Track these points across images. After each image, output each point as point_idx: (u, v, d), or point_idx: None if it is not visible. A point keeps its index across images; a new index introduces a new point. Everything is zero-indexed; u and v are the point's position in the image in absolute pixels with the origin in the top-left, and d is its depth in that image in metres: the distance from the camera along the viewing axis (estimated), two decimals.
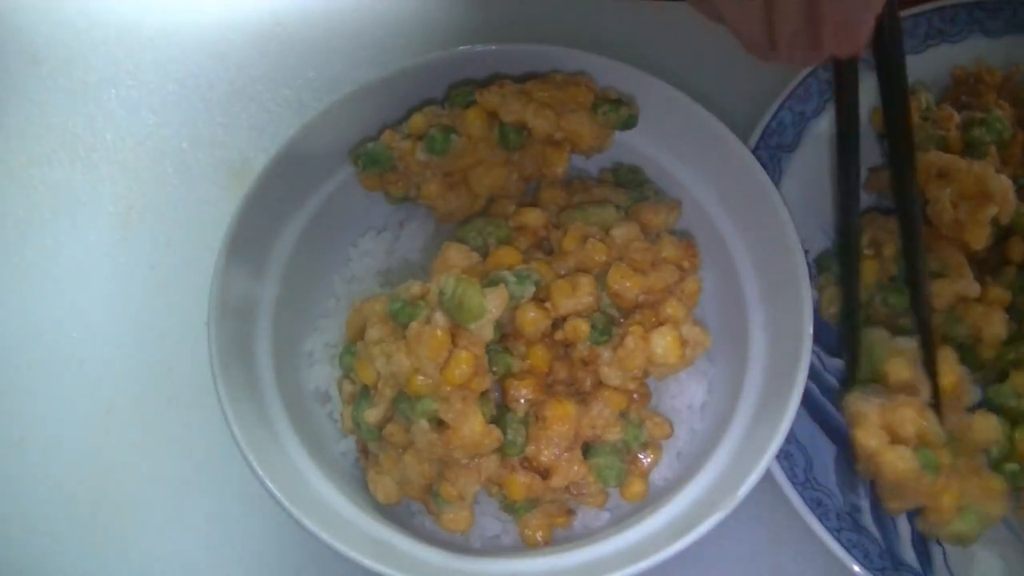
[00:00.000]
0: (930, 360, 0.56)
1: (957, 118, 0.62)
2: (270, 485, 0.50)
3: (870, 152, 0.66)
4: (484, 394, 0.50)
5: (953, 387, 0.56)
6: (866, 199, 0.64)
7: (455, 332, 0.48)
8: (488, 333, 0.49)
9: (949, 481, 0.54)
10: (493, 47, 0.59)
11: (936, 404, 0.56)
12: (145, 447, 0.62)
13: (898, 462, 0.53)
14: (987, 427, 0.56)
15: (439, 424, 0.49)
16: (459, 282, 0.48)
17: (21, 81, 0.73)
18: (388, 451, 0.52)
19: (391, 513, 0.54)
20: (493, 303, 0.48)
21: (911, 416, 0.54)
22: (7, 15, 0.76)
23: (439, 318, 0.48)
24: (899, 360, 0.56)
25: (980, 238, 0.58)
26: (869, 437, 0.54)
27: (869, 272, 0.60)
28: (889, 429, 0.54)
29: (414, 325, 0.49)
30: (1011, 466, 0.56)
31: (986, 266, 0.60)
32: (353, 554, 0.48)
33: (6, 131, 0.72)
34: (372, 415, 0.51)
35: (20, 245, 0.68)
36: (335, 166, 0.59)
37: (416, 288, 0.50)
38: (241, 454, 0.51)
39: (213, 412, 0.52)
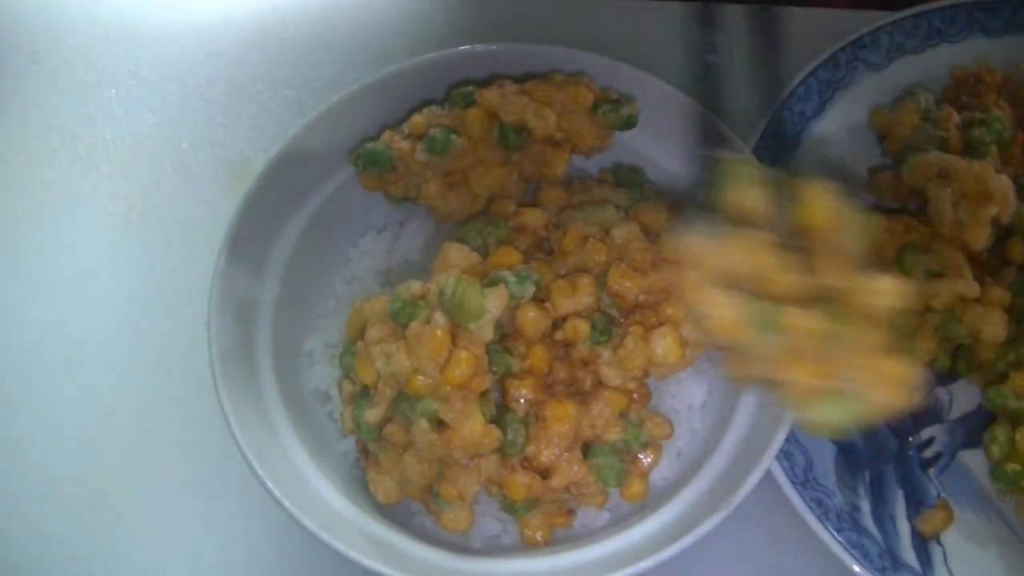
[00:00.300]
0: (790, 187, 0.43)
1: (957, 118, 0.62)
2: (270, 485, 0.50)
3: (870, 152, 0.66)
4: (484, 394, 0.50)
5: (827, 226, 0.42)
6: (866, 199, 0.64)
7: (455, 332, 0.48)
8: (488, 333, 0.49)
9: (810, 351, 0.40)
10: (493, 47, 0.59)
11: (800, 248, 0.42)
12: (145, 447, 0.62)
13: (715, 308, 0.40)
14: (885, 289, 0.41)
15: (439, 424, 0.49)
16: (459, 282, 0.48)
17: (21, 81, 0.73)
18: (388, 451, 0.52)
19: (391, 513, 0.54)
20: (493, 303, 0.48)
21: (746, 253, 0.41)
22: (7, 13, 0.76)
23: (439, 318, 0.48)
24: (744, 184, 0.42)
25: (980, 238, 0.57)
26: (688, 278, 0.41)
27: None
28: (725, 272, 0.41)
29: (414, 325, 0.49)
30: (1013, 467, 0.56)
31: (986, 266, 0.60)
32: (353, 554, 0.48)
33: (6, 131, 0.72)
34: (372, 415, 0.51)
35: (20, 245, 0.68)
36: (335, 166, 0.59)
37: (416, 288, 0.50)
38: (241, 454, 0.51)
39: (213, 412, 0.52)
